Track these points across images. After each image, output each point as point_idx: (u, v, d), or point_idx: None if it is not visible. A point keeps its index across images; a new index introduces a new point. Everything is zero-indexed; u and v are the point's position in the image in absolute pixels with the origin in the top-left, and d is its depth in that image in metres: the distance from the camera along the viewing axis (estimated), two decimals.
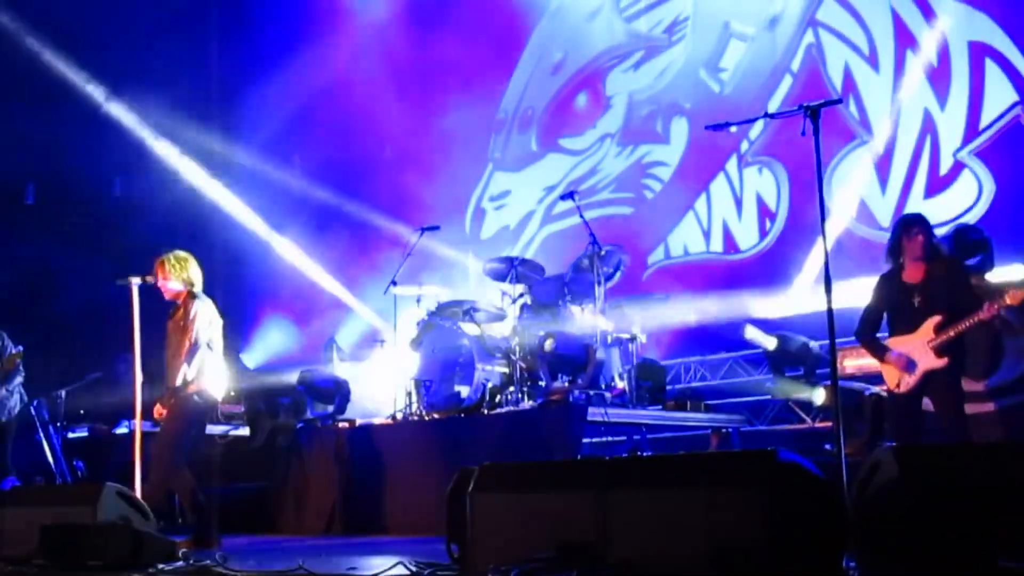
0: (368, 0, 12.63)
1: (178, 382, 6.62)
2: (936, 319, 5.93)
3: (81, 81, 11.90)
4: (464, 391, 8.29)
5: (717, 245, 10.20)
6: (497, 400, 8.17)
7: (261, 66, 12.84)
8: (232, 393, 9.90)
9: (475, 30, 11.70)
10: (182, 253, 6.92)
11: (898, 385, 6.06)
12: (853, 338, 7.58)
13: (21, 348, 8.99)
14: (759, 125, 9.72)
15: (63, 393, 10.15)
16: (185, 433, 6.73)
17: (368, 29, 12.56)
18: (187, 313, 6.71)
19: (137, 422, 6.98)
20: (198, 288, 6.84)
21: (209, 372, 6.72)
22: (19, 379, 9.11)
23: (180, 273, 6.79)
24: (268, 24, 12.90)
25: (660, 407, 8.46)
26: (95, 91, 12.01)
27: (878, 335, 6.36)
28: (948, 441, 5.69)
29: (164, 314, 6.95)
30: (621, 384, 8.18)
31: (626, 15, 11.25)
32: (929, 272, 6.08)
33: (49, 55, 11.66)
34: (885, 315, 6.30)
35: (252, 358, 12.72)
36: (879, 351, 6.22)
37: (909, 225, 6.19)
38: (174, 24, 12.41)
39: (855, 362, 8.06)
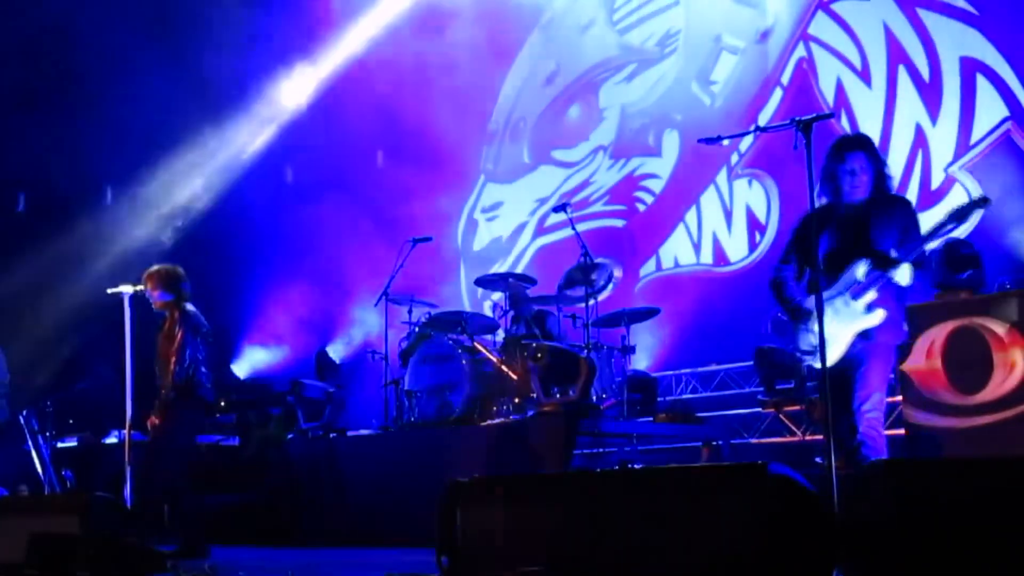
0: (360, 11, 12.64)
1: (167, 392, 6.63)
2: (865, 262, 4.99)
3: (72, 88, 11.88)
4: (455, 402, 8.27)
5: (707, 257, 10.22)
6: (488, 412, 8.16)
7: (254, 75, 12.84)
8: (223, 403, 9.88)
9: (467, 40, 11.72)
10: (170, 266, 6.98)
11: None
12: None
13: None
14: (749, 138, 9.76)
15: (52, 402, 10.11)
16: (174, 443, 6.72)
17: (359, 39, 12.57)
18: (174, 323, 6.74)
19: (127, 432, 6.96)
20: (186, 299, 6.86)
21: (201, 382, 6.72)
22: (4, 389, 9.06)
23: (168, 285, 6.82)
24: (261, 35, 12.89)
25: (651, 419, 8.46)
26: (87, 99, 11.99)
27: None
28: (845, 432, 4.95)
29: (156, 324, 6.96)
30: (612, 396, 8.18)
31: (619, 28, 11.28)
32: (873, 207, 5.09)
33: (40, 62, 11.64)
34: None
35: (243, 369, 12.69)
36: (795, 309, 5.23)
37: (850, 145, 5.15)
38: (166, 32, 12.41)
39: None
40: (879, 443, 5.06)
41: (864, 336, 5.02)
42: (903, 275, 4.94)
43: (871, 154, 5.11)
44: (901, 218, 5.08)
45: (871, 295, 5.00)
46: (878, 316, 4.99)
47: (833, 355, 4.92)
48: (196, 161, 12.73)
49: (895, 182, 5.35)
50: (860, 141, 5.15)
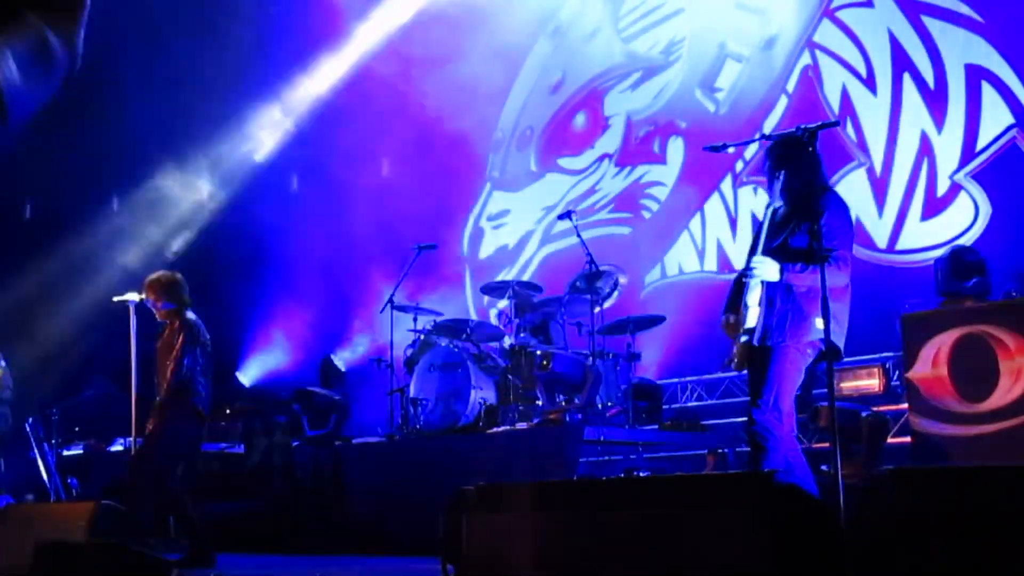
0: (367, 18, 12.67)
1: (164, 399, 6.63)
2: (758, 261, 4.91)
3: (78, 96, 11.90)
4: (461, 410, 8.27)
5: (711, 264, 10.21)
6: (494, 419, 8.16)
7: (259, 83, 12.87)
8: (227, 411, 9.88)
9: (473, 49, 11.73)
10: (170, 273, 6.95)
11: (734, 362, 5.13)
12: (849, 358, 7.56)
13: (4, 364, 8.99)
14: (754, 145, 9.76)
15: (58, 410, 10.13)
16: (162, 448, 6.68)
17: (366, 46, 12.59)
18: (174, 332, 6.72)
19: (132, 439, 6.97)
20: (187, 307, 6.85)
21: (197, 391, 6.71)
22: (7, 396, 9.07)
23: (168, 294, 6.80)
24: (267, 42, 12.93)
25: (656, 427, 8.45)
26: (92, 107, 12.01)
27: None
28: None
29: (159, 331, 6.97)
30: (617, 404, 8.18)
31: (624, 36, 11.29)
32: (792, 204, 5.00)
33: None
34: None
35: (248, 376, 12.70)
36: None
37: (774, 139, 5.08)
38: (171, 40, 12.44)
39: (852, 383, 8.06)
40: (773, 435, 4.99)
41: (750, 337, 4.98)
42: (761, 268, 4.88)
43: (785, 149, 5.00)
44: (816, 207, 4.90)
45: (753, 294, 4.94)
46: (752, 316, 4.93)
47: (737, 358, 5.05)
48: (202, 169, 12.76)
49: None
50: (785, 140, 5.00)
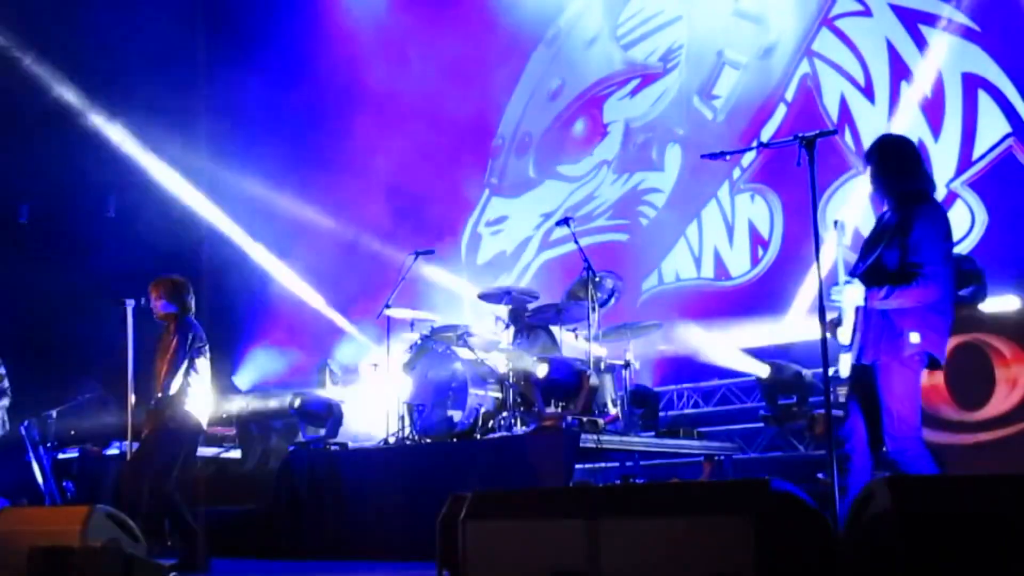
0: (364, 23, 12.68)
1: (159, 403, 6.62)
2: (852, 284, 4.88)
3: (75, 101, 11.90)
4: (457, 416, 8.26)
5: (708, 271, 10.22)
6: (490, 425, 8.15)
7: (257, 89, 12.87)
8: (223, 416, 9.86)
9: (472, 55, 11.75)
10: (177, 277, 6.98)
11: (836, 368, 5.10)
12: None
13: (1, 369, 8.98)
14: (752, 152, 9.77)
15: (54, 414, 10.11)
16: (155, 452, 6.67)
17: (364, 52, 12.60)
18: (171, 334, 6.73)
19: (128, 444, 6.96)
20: (188, 312, 6.85)
21: (192, 395, 6.70)
22: (4, 401, 9.05)
23: (172, 296, 6.82)
24: (264, 47, 12.93)
25: (653, 434, 8.44)
26: (89, 111, 12.02)
27: None
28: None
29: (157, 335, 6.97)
30: (614, 410, 8.17)
31: (623, 43, 11.32)
32: (890, 211, 4.99)
33: (43, 75, 11.67)
34: None
35: (244, 380, 12.68)
36: None
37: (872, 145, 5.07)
38: (169, 46, 12.43)
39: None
40: (906, 454, 4.93)
41: (852, 354, 4.95)
42: (842, 298, 4.88)
43: (872, 160, 4.99)
44: (909, 219, 4.86)
45: (847, 312, 4.91)
46: (845, 333, 4.91)
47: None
48: (199, 173, 12.75)
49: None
50: (870, 148, 5.03)
